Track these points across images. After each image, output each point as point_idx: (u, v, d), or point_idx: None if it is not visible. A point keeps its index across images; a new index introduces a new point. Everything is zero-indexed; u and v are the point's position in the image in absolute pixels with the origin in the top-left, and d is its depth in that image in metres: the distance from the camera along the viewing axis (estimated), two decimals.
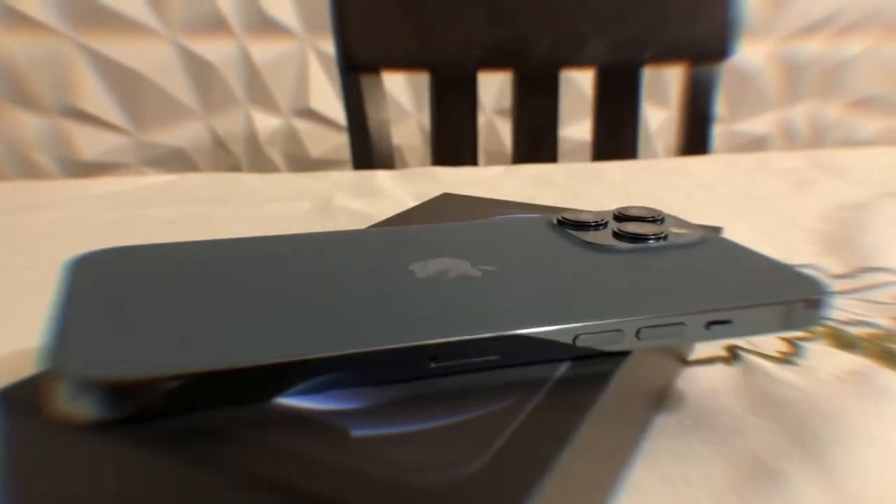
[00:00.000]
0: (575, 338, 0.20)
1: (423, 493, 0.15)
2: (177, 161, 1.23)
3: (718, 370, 0.29)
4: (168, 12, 1.16)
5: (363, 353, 0.19)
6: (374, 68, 0.82)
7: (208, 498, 0.16)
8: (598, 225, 0.28)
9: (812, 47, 1.43)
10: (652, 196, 0.54)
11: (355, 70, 0.80)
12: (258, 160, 1.25)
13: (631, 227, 0.27)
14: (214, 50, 1.19)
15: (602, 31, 0.85)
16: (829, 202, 0.53)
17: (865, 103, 1.49)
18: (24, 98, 1.16)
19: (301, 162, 1.26)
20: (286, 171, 1.25)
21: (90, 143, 1.19)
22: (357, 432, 0.17)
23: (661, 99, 1.37)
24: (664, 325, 0.21)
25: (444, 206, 0.38)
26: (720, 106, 1.42)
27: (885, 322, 0.33)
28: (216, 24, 1.18)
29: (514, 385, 0.20)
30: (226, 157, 1.24)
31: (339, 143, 1.26)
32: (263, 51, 1.21)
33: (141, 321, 0.19)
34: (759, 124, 1.46)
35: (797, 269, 0.24)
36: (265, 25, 1.20)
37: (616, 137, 0.90)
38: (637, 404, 0.24)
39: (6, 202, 0.50)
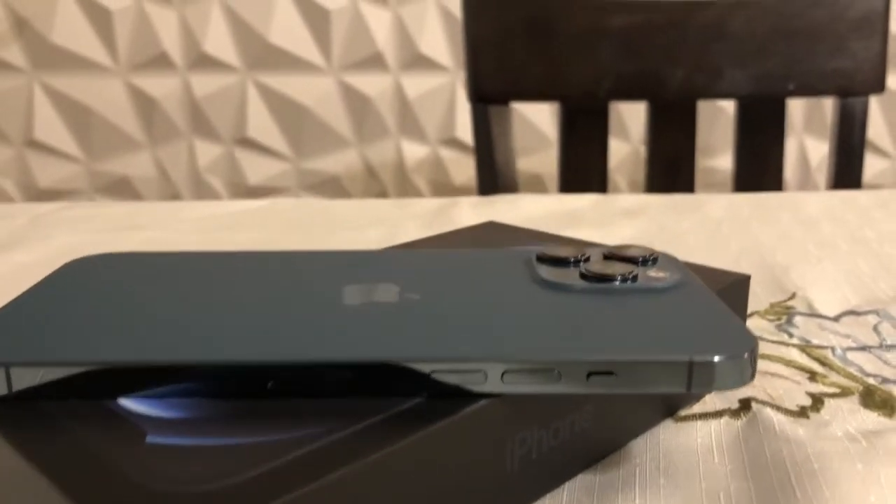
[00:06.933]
0: (431, 373, 0.19)
1: (150, 499, 0.15)
2: (329, 185, 1.31)
3: (723, 424, 0.26)
4: (329, 49, 1.26)
5: (188, 365, 0.19)
6: (503, 100, 0.84)
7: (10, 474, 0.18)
8: (577, 262, 0.25)
9: None
10: (746, 231, 0.51)
11: (484, 101, 0.83)
12: (404, 187, 1.32)
13: (597, 267, 0.24)
14: (370, 84, 1.28)
15: (739, 64, 0.83)
16: None
17: None
18: None
19: (443, 187, 1.31)
20: (430, 195, 1.30)
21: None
22: (151, 439, 0.17)
23: (821, 131, 1.29)
24: (533, 371, 0.19)
25: (477, 234, 0.36)
26: (889, 141, 1.31)
27: None
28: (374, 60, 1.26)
29: (350, 412, 0.18)
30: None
31: None
32: (413, 84, 1.28)
33: (51, 318, 0.21)
34: None
35: (742, 326, 0.21)
36: (417, 61, 1.27)
37: (759, 168, 0.86)
38: (514, 454, 0.21)
39: (113, 221, 0.56)
